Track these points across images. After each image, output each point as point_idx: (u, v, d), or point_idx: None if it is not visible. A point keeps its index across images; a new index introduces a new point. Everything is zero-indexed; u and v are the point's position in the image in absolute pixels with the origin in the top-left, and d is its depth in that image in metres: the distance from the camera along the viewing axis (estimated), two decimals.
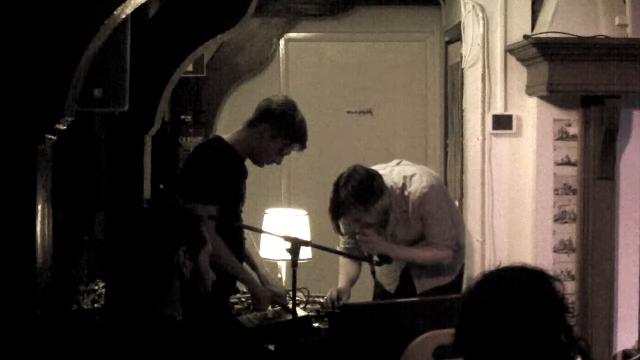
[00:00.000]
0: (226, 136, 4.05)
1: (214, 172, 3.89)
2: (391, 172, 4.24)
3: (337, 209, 4.07)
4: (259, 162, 4.09)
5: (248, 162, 4.12)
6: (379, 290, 4.48)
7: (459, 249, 4.36)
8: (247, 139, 3.99)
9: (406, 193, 4.18)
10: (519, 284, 1.92)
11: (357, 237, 4.20)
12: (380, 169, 4.23)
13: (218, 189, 3.85)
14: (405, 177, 4.21)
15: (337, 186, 4.06)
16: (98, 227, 4.21)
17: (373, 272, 4.39)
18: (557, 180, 4.86)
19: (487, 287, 1.94)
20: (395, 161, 4.39)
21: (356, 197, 4.00)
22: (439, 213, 4.22)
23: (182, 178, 4.10)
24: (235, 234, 4.03)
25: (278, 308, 4.06)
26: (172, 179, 4.98)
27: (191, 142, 6.00)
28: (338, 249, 4.36)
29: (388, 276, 4.42)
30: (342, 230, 4.28)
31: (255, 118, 3.99)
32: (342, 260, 4.39)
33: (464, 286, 4.58)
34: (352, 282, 4.35)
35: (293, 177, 6.38)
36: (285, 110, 3.97)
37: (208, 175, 3.87)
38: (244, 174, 4.10)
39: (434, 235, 4.22)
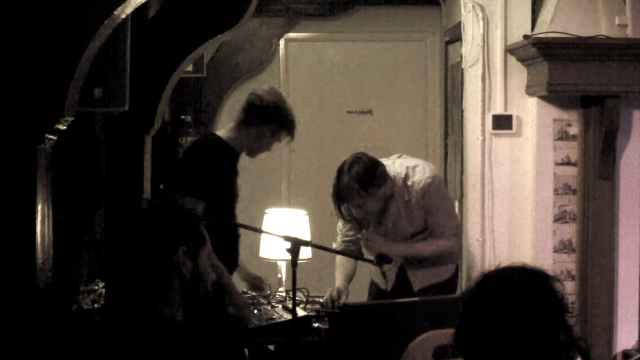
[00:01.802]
0: (220, 133, 4.09)
1: (210, 166, 3.92)
2: (393, 163, 4.28)
3: (340, 194, 4.09)
4: (253, 155, 4.17)
5: (245, 160, 4.17)
6: (375, 290, 4.48)
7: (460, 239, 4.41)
8: (244, 136, 4.04)
9: (409, 183, 4.20)
10: (519, 284, 1.92)
11: (361, 242, 4.23)
12: (383, 161, 4.25)
13: (213, 183, 3.88)
14: (408, 168, 4.23)
15: (340, 172, 4.09)
16: (98, 227, 4.21)
17: (382, 269, 4.37)
18: (557, 180, 4.87)
19: (487, 287, 1.94)
20: (395, 155, 4.41)
21: (359, 182, 4.02)
22: (443, 202, 4.25)
23: (177, 172, 4.13)
24: (229, 230, 4.04)
25: (278, 307, 4.06)
26: (170, 176, 4.99)
27: (191, 142, 6.00)
28: (335, 245, 4.37)
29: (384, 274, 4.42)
30: (345, 216, 4.27)
31: (253, 118, 4.02)
32: (339, 258, 4.39)
33: (462, 284, 4.59)
34: (350, 279, 4.36)
35: (293, 177, 6.38)
36: (280, 106, 4.03)
37: (204, 169, 3.90)
38: (237, 171, 4.14)
39: (439, 224, 4.23)
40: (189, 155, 4.13)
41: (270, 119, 3.99)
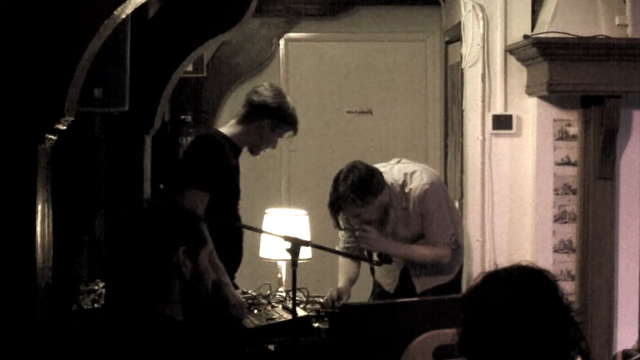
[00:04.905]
0: (222, 129, 4.12)
1: (215, 158, 3.93)
2: (391, 169, 4.26)
3: (336, 204, 4.09)
4: (255, 152, 4.16)
5: (245, 160, 4.17)
6: (378, 291, 4.47)
7: (457, 248, 4.36)
8: (246, 132, 4.05)
9: (407, 190, 4.18)
10: (524, 282, 1.91)
11: (357, 233, 4.21)
12: (381, 167, 4.24)
13: (218, 175, 3.89)
14: (405, 174, 4.22)
15: (336, 181, 4.08)
16: (98, 227, 4.21)
17: (372, 270, 4.40)
18: (557, 180, 4.87)
19: (491, 286, 1.93)
20: (395, 160, 4.40)
21: (355, 192, 4.01)
22: (439, 210, 4.23)
23: (180, 165, 4.13)
24: (233, 230, 4.05)
25: (278, 307, 4.06)
26: (172, 171, 4.99)
27: (193, 138, 6.01)
28: (337, 248, 4.36)
29: (387, 276, 4.42)
30: (342, 225, 4.28)
31: (252, 113, 4.04)
32: (342, 260, 4.39)
33: (463, 285, 4.58)
34: (352, 282, 4.35)
35: (293, 177, 6.38)
36: (281, 101, 4.05)
37: (209, 161, 3.91)
38: (239, 169, 4.15)
39: (433, 233, 4.22)
40: (193, 148, 4.12)
41: (268, 113, 4.01)
